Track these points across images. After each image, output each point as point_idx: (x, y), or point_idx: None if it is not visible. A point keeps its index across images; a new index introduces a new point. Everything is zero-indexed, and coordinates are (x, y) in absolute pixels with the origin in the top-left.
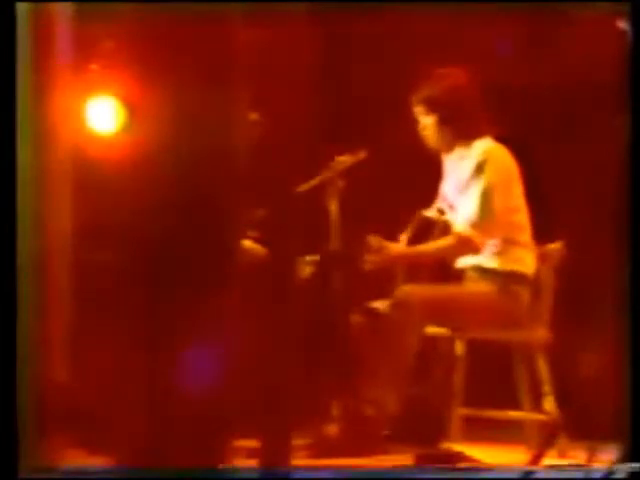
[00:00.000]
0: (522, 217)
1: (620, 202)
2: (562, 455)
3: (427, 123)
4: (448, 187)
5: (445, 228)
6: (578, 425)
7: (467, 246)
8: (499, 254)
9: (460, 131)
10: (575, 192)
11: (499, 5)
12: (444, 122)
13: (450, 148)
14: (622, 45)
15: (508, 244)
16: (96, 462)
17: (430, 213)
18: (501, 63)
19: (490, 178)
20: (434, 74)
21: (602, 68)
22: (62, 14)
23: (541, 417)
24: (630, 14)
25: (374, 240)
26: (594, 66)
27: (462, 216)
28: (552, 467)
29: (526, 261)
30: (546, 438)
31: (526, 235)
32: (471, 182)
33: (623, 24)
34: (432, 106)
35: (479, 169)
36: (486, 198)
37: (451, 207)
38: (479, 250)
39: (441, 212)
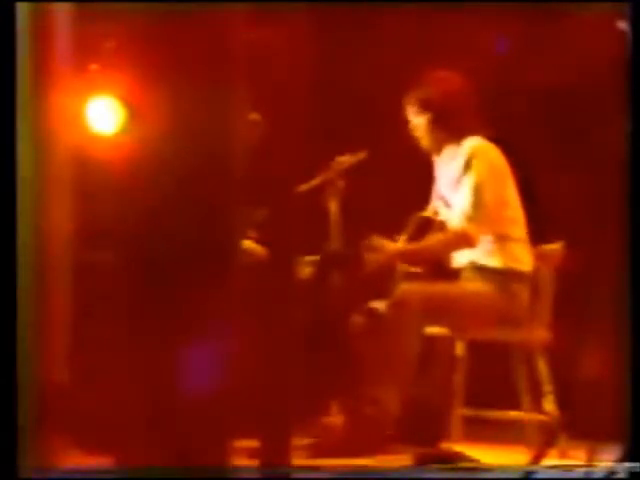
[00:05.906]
0: (516, 213)
1: (620, 202)
2: (562, 455)
3: (418, 124)
4: (442, 186)
5: (442, 228)
6: (578, 425)
7: (463, 240)
8: (495, 251)
9: (451, 132)
10: (575, 192)
11: (498, 5)
12: (435, 123)
13: (441, 149)
14: (622, 45)
15: (503, 240)
16: (96, 462)
17: (426, 213)
18: (501, 63)
19: (479, 173)
20: (428, 76)
21: (602, 68)
22: (62, 14)
23: (541, 417)
24: (630, 14)
25: (372, 239)
26: (594, 66)
27: (456, 212)
28: (552, 467)
29: (522, 258)
30: (546, 438)
31: (520, 231)
32: (461, 179)
33: (623, 24)
34: (424, 107)
35: (467, 165)
36: (477, 192)
37: (448, 205)
38: (475, 244)
39: (436, 213)
